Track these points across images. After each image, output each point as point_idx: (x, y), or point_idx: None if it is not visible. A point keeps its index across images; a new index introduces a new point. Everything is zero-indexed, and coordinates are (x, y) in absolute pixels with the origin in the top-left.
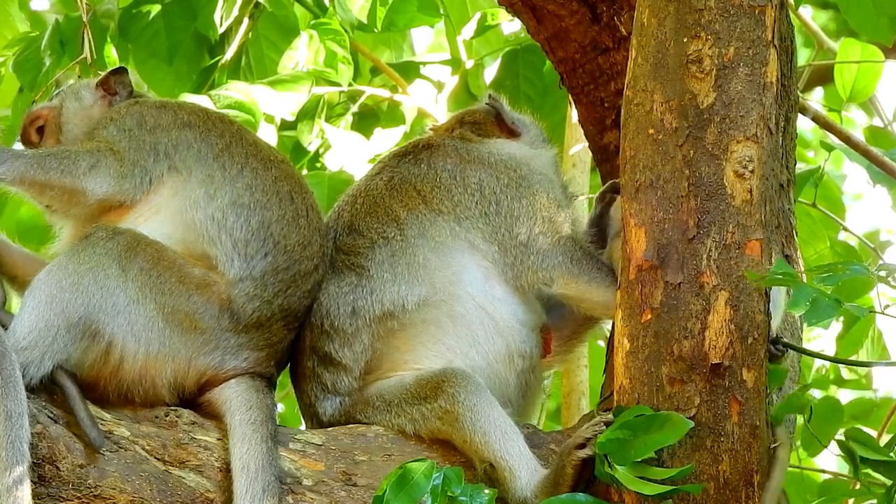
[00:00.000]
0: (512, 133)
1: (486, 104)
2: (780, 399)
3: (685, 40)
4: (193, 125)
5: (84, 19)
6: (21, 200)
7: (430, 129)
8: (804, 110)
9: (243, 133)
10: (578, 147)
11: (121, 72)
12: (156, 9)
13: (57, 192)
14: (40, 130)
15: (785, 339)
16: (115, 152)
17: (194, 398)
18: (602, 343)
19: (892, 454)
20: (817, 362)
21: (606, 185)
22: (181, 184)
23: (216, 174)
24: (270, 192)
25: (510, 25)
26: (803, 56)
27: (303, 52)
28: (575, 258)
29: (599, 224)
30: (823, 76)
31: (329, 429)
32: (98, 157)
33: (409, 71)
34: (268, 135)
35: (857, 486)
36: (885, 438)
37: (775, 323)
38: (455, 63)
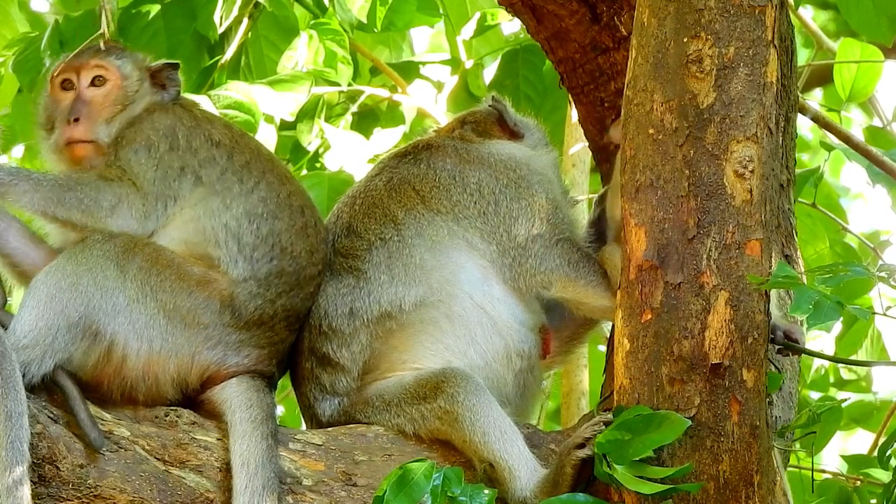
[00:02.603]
0: (514, 135)
1: (489, 105)
2: (779, 400)
3: (685, 40)
4: (222, 144)
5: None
6: None
7: (433, 131)
8: (804, 110)
9: (261, 149)
10: (578, 147)
11: (175, 67)
12: (155, 9)
13: (78, 229)
14: (99, 81)
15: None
16: (138, 188)
17: (197, 395)
18: (602, 347)
19: (888, 455)
20: (816, 362)
21: (605, 187)
22: (201, 195)
23: (234, 187)
24: (284, 205)
25: (510, 25)
26: (803, 56)
27: (302, 52)
28: (572, 261)
29: (598, 226)
30: (823, 76)
31: (329, 429)
32: (120, 196)
33: (409, 71)
34: (268, 135)
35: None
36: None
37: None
38: (455, 63)
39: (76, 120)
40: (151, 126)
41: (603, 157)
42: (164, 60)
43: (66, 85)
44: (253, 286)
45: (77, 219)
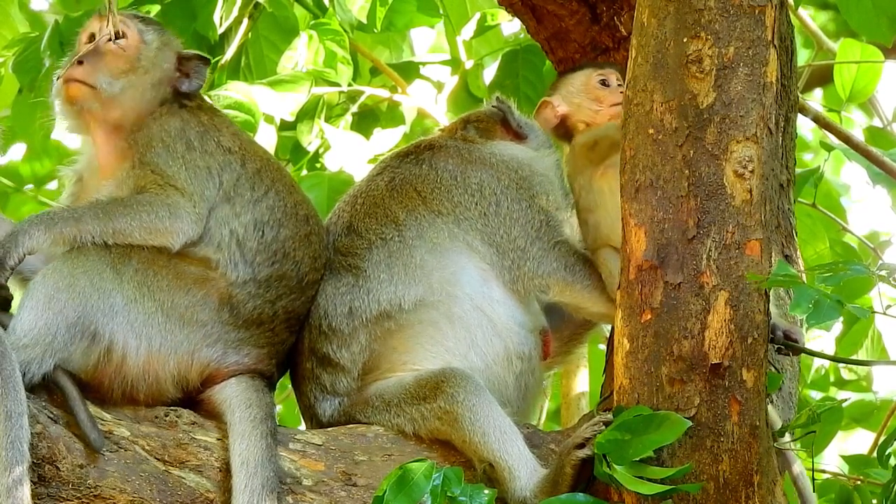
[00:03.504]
0: (518, 136)
1: (494, 106)
2: (779, 400)
3: (685, 40)
4: (234, 150)
5: None
6: (22, 200)
7: (438, 130)
8: (804, 110)
9: (269, 157)
10: None
11: (205, 61)
12: (155, 9)
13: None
14: (116, 37)
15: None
16: (179, 190)
17: (198, 394)
18: (602, 347)
19: (887, 454)
20: (817, 362)
21: None
22: (217, 200)
23: (246, 194)
24: (290, 214)
25: (510, 25)
26: (803, 56)
27: (302, 53)
28: (569, 265)
29: None
30: (823, 76)
31: (329, 429)
32: (170, 205)
33: (409, 71)
34: (268, 135)
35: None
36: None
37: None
38: (455, 63)
39: (80, 62)
40: (161, 128)
41: None
42: (196, 51)
43: (90, 38)
44: (252, 288)
45: (139, 239)
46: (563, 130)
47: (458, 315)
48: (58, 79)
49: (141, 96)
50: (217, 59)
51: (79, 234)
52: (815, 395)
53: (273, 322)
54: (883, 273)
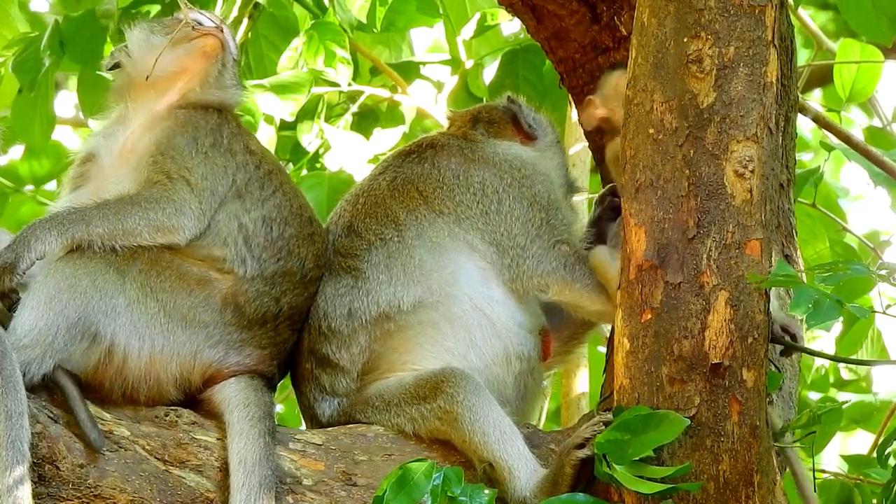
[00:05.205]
0: (527, 136)
1: (504, 106)
2: (779, 400)
3: (685, 40)
4: (255, 153)
5: None
6: (21, 200)
7: (449, 117)
8: (804, 110)
9: (278, 163)
10: (578, 147)
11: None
12: (156, 9)
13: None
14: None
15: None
16: (190, 185)
17: (198, 394)
18: (602, 347)
19: (887, 454)
20: (817, 362)
21: (605, 188)
22: (228, 197)
23: (255, 192)
24: (296, 214)
25: (510, 25)
26: (803, 56)
27: (302, 52)
28: (569, 265)
29: (598, 226)
30: (823, 76)
31: (329, 429)
32: (175, 200)
33: (409, 71)
34: (267, 135)
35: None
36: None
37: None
38: (455, 63)
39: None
40: (203, 117)
41: (603, 157)
42: None
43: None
44: (259, 284)
45: (147, 238)
46: (610, 127)
47: (457, 315)
48: (191, 27)
49: (219, 101)
50: None
51: (88, 236)
52: (815, 395)
53: (277, 320)
54: (883, 273)
